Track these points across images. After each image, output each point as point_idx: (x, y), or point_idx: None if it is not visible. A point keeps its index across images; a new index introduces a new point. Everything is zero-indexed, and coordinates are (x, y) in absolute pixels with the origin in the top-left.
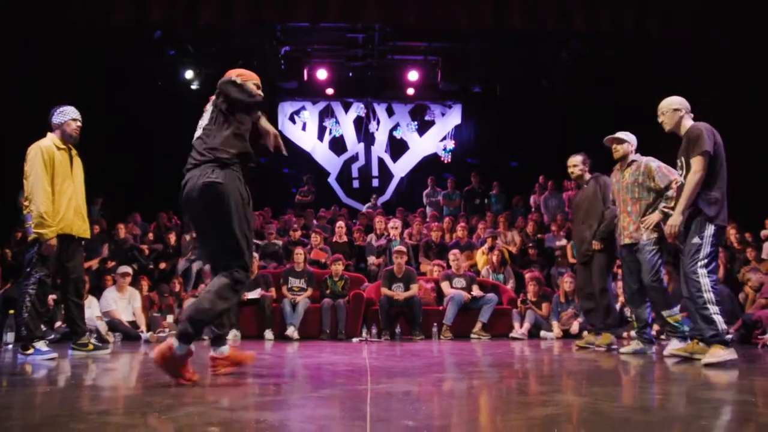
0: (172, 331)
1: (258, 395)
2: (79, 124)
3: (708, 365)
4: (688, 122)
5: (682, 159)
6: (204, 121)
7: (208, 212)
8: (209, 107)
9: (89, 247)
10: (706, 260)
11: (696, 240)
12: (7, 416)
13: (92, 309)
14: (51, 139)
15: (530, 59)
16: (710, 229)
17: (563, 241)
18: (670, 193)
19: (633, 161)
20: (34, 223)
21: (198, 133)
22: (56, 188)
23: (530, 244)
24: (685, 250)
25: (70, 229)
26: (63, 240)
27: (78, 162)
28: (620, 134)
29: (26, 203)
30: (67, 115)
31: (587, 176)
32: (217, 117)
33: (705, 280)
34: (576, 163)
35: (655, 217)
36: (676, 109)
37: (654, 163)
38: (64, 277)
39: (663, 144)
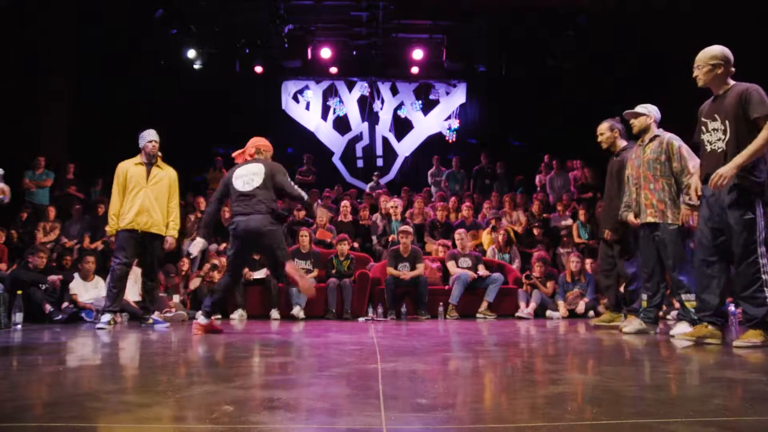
0: (179, 311)
1: (268, 374)
2: (154, 144)
3: (739, 347)
4: (729, 79)
5: (726, 121)
6: (255, 183)
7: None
8: (258, 173)
9: (93, 228)
10: (762, 236)
11: (749, 216)
12: (23, 395)
13: (99, 289)
14: (132, 160)
15: (535, 37)
16: (760, 206)
17: (569, 221)
18: (686, 180)
19: (656, 136)
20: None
21: (247, 188)
22: (127, 194)
23: (536, 224)
24: (733, 227)
25: (133, 225)
26: (131, 233)
27: (159, 171)
28: (639, 107)
29: None
30: (145, 139)
31: (620, 143)
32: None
33: (764, 260)
34: (603, 131)
35: (684, 211)
36: (714, 65)
37: (677, 141)
38: (139, 261)
39: (678, 117)
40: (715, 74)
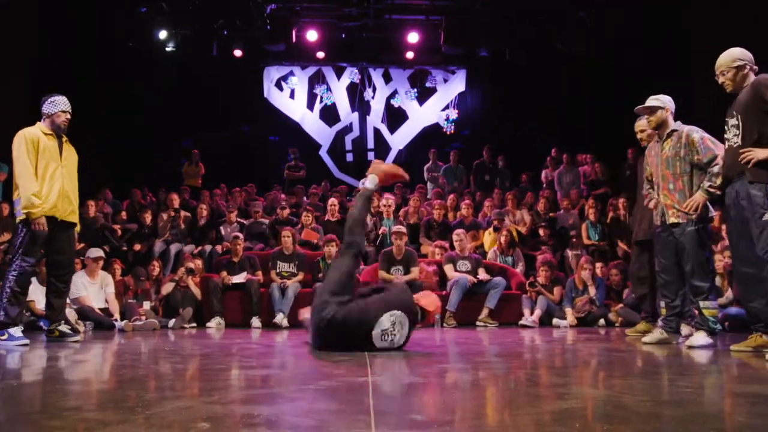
0: (150, 319)
1: (248, 388)
2: (68, 116)
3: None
4: (752, 76)
5: (739, 115)
6: None
7: None
8: None
9: None
10: None
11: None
12: None
13: None
14: (38, 127)
15: (543, 19)
16: None
17: (574, 218)
18: (716, 169)
19: (674, 131)
20: (23, 204)
21: None
22: (40, 172)
23: (542, 224)
24: None
25: (54, 212)
26: (48, 222)
27: (70, 149)
28: (651, 100)
29: (15, 189)
30: (57, 106)
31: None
32: None
33: None
34: (643, 127)
35: (698, 198)
36: (738, 66)
37: (697, 134)
38: (48, 260)
39: (697, 105)
40: (742, 75)
